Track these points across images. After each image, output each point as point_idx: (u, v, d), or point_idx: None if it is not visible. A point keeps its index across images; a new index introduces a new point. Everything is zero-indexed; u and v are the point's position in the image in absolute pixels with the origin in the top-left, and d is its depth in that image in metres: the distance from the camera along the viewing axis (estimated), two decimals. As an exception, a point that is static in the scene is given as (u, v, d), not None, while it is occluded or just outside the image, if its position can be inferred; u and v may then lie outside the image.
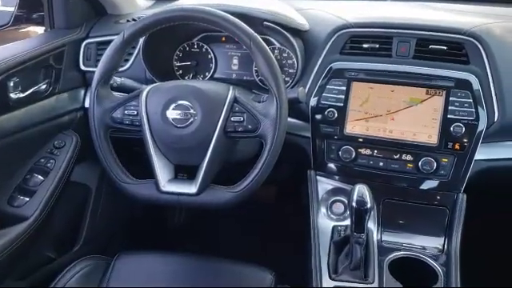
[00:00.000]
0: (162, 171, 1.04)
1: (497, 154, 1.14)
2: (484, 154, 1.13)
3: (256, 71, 1.30)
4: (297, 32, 1.25)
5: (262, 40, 1.01)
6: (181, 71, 1.36)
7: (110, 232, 1.67)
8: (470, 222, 1.15)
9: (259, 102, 1.06)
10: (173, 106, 1.03)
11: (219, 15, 1.01)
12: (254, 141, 1.14)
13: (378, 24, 1.20)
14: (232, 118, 1.02)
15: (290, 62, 1.26)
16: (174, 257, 1.20)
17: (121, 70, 1.29)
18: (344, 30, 1.20)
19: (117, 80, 1.16)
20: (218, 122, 1.02)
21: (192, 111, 1.02)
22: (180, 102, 1.03)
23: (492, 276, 1.56)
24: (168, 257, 1.20)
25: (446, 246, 1.14)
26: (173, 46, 1.35)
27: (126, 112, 1.06)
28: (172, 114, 1.03)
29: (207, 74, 1.35)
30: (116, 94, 1.11)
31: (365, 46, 1.18)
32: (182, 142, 1.03)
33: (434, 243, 1.16)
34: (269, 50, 1.01)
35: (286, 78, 1.26)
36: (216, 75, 1.35)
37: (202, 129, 1.02)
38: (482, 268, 1.46)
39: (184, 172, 1.08)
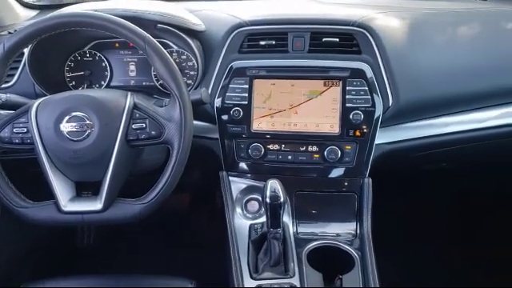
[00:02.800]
0: (61, 190, 0.97)
1: (395, 137, 1.20)
2: (383, 138, 1.18)
3: (155, 75, 1.26)
4: (193, 33, 1.23)
5: (156, 42, 0.98)
6: (74, 82, 1.28)
7: (13, 261, 1.53)
8: (380, 205, 1.20)
9: (161, 106, 1.03)
10: (66, 118, 0.96)
11: (107, 18, 0.96)
12: (161, 147, 1.10)
13: (273, 21, 1.22)
14: (133, 126, 0.98)
15: (189, 63, 1.23)
16: (85, 280, 1.12)
17: (5, 85, 1.19)
18: (240, 29, 1.20)
19: (1, 97, 1.06)
20: (119, 131, 0.97)
21: (88, 122, 0.96)
22: (74, 113, 0.96)
23: (404, 255, 1.65)
24: (79, 280, 1.12)
25: (358, 230, 1.19)
26: (63, 55, 1.27)
27: (14, 130, 0.98)
28: (66, 127, 0.96)
29: (103, 82, 1.28)
30: (1, 112, 1.02)
31: (262, 43, 1.19)
32: (80, 157, 0.96)
33: (346, 229, 1.20)
34: (165, 52, 0.98)
35: (188, 81, 1.23)
36: (113, 83, 1.29)
37: (101, 140, 0.96)
38: (396, 248, 1.54)
39: (88, 189, 1.02)
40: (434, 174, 1.57)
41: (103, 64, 1.28)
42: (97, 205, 0.97)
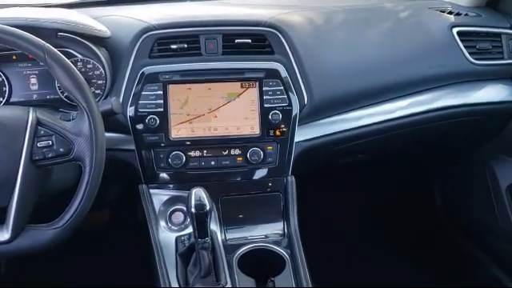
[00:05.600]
0: None
1: (312, 134, 1.22)
2: (302, 135, 1.20)
3: (59, 87, 1.17)
4: (98, 40, 1.16)
5: (57, 51, 0.91)
6: None
7: None
8: (305, 202, 1.21)
9: (69, 120, 0.95)
10: None
11: (0, 29, 0.86)
12: (72, 165, 1.02)
13: (183, 23, 1.19)
14: (38, 144, 0.89)
15: (96, 72, 1.16)
16: None
17: None
18: (148, 33, 1.15)
19: None
20: (22, 151, 0.88)
21: None
22: None
23: (334, 250, 1.69)
24: None
25: (286, 230, 1.19)
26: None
27: None
28: None
29: (1, 99, 1.16)
30: None
31: (173, 46, 1.15)
32: None
33: (274, 229, 1.19)
34: (68, 61, 0.91)
35: (96, 91, 1.15)
36: (12, 99, 1.17)
37: (2, 164, 0.87)
38: (325, 244, 1.57)
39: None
40: (353, 166, 1.62)
41: (0, 79, 1.16)
42: (3, 235, 0.87)
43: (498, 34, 1.34)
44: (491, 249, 1.63)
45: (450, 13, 1.40)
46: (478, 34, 1.35)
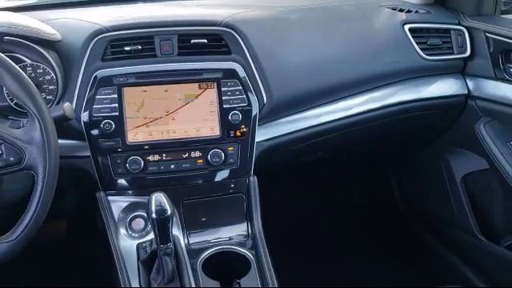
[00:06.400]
0: None
1: (273, 133, 1.22)
2: (263, 135, 1.20)
3: (8, 94, 1.12)
4: (48, 44, 1.11)
5: (4, 56, 0.86)
6: None
7: None
8: (269, 203, 1.21)
9: (19, 128, 0.91)
10: None
11: None
12: (24, 174, 0.97)
13: (137, 25, 1.16)
14: None
15: (47, 77, 1.11)
16: None
17: None
18: (101, 36, 1.12)
19: None
20: None
21: None
22: None
23: (298, 248, 1.70)
24: None
25: (250, 231, 1.18)
26: None
27: None
28: None
29: None
30: None
31: (127, 48, 1.13)
32: None
33: (238, 230, 1.18)
34: (16, 66, 0.88)
35: (48, 96, 1.11)
36: None
37: None
38: (289, 243, 1.58)
39: None
40: (314, 164, 1.63)
41: None
42: None
43: (448, 30, 1.39)
44: (449, 239, 1.69)
45: (401, 10, 1.44)
46: (428, 30, 1.39)
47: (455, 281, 1.52)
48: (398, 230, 1.90)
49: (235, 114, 1.14)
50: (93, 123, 1.09)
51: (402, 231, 1.89)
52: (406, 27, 1.36)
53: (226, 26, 1.18)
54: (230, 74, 1.15)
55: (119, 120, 1.10)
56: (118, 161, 1.11)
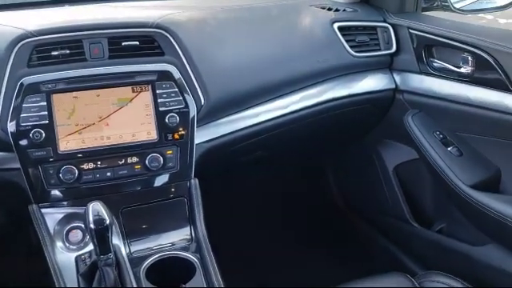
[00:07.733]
0: None
1: (212, 134, 1.22)
2: (202, 136, 1.19)
3: None
4: (-34, 50, 1.04)
5: None
6: None
7: None
8: (212, 204, 1.20)
9: None
10: None
11: None
12: None
13: (63, 29, 1.11)
14: None
15: (-33, 87, 1.04)
16: None
17: None
18: (25, 41, 1.06)
19: None
20: None
21: None
22: None
23: (242, 248, 1.70)
24: None
25: (193, 234, 1.17)
26: None
27: None
28: None
29: None
30: None
31: (54, 53, 1.08)
32: None
33: (181, 235, 1.17)
34: None
35: (-32, 108, 1.03)
36: None
37: None
38: (233, 243, 1.57)
39: None
40: (253, 163, 1.64)
41: None
42: None
43: (374, 28, 1.45)
44: (385, 227, 1.76)
45: (330, 9, 1.48)
46: (356, 28, 1.44)
47: (392, 267, 1.59)
48: (338, 225, 1.95)
49: (172, 116, 1.12)
50: (21, 133, 1.03)
51: (340, 223, 1.95)
52: (335, 26, 1.40)
53: (158, 27, 1.15)
54: (165, 75, 1.13)
55: (49, 128, 1.04)
56: (51, 171, 1.06)
